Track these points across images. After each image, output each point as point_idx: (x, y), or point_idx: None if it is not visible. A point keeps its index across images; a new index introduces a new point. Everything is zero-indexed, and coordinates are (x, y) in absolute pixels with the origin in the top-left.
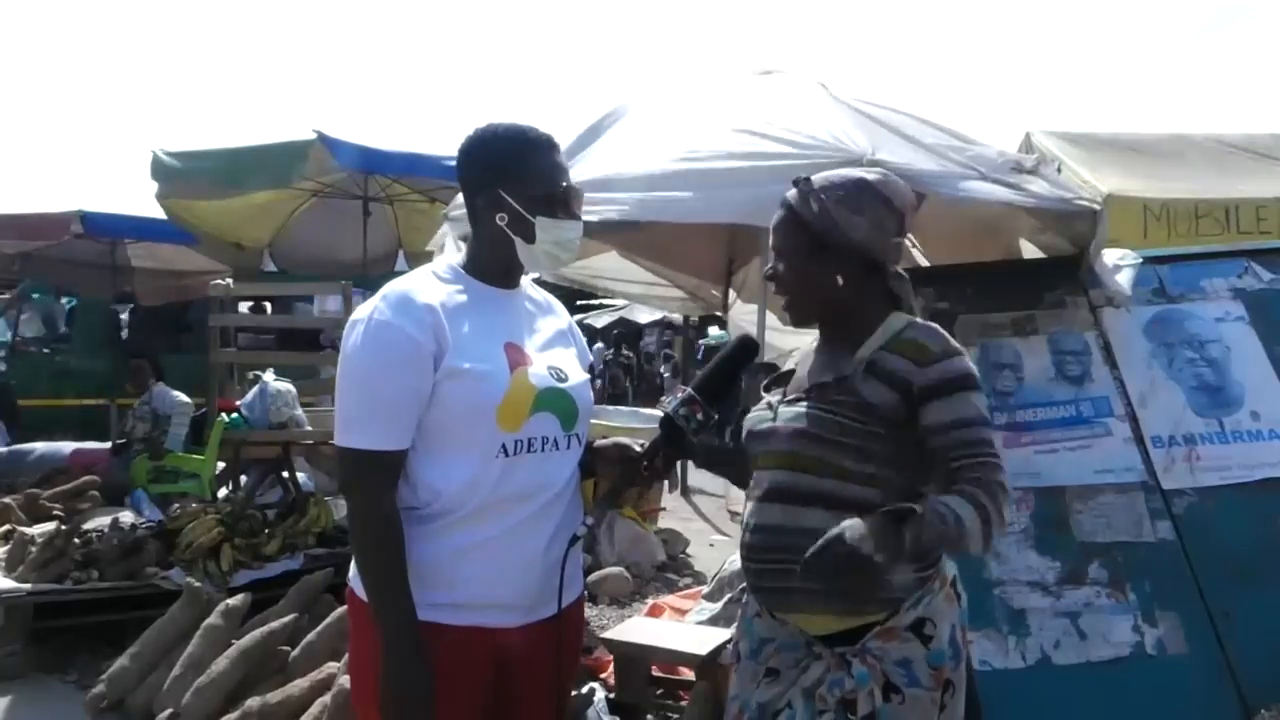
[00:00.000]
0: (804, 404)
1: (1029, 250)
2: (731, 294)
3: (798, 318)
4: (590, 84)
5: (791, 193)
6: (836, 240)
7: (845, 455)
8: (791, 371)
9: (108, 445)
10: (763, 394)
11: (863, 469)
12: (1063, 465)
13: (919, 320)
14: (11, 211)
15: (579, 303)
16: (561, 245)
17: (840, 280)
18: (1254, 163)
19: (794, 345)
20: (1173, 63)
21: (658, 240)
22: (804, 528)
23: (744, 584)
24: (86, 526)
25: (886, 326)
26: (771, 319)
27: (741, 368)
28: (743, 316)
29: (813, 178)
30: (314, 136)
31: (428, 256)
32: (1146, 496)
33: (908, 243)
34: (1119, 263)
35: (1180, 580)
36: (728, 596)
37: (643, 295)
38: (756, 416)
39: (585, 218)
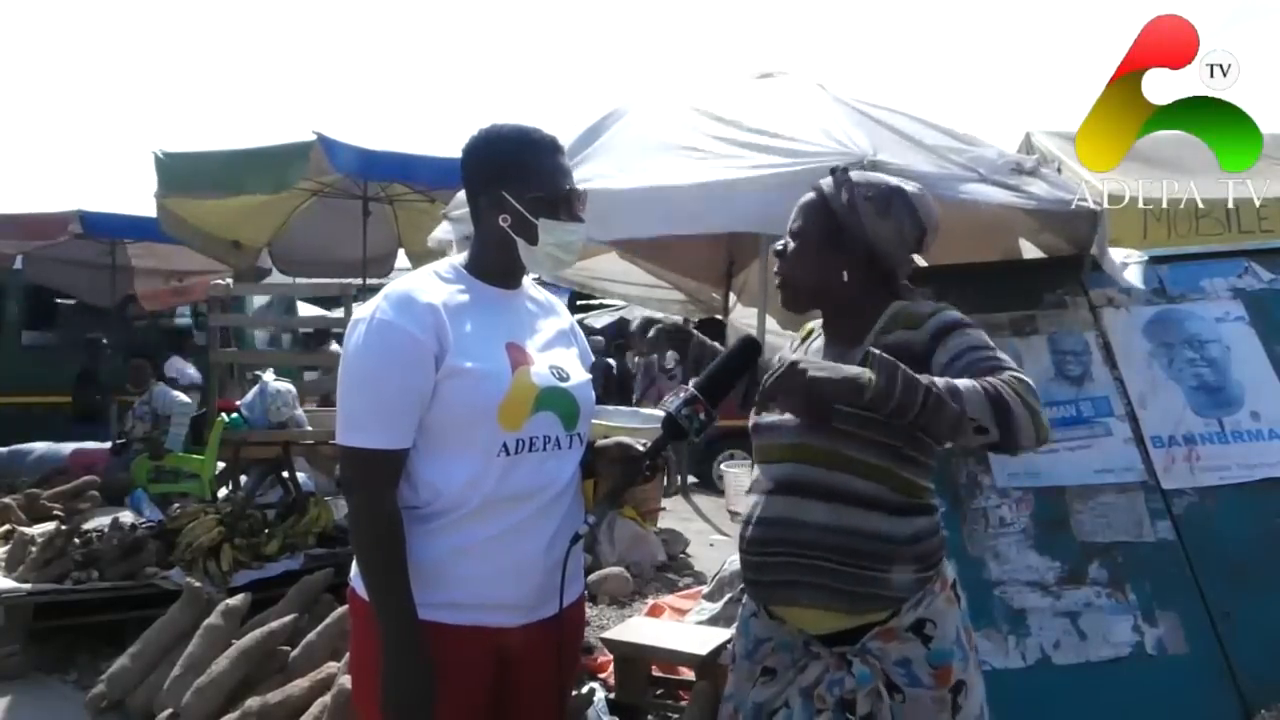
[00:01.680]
0: None
1: (1029, 250)
2: (732, 297)
3: (788, 300)
4: (590, 84)
5: (826, 180)
6: (854, 234)
7: (851, 446)
8: None
9: (108, 445)
10: None
11: (867, 460)
12: (1063, 465)
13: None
14: (11, 211)
15: (579, 303)
16: (564, 247)
17: (845, 276)
18: (1255, 162)
19: None
20: None
21: (658, 243)
22: (807, 521)
23: (744, 583)
24: (86, 526)
25: (885, 314)
26: (772, 323)
27: (745, 368)
28: (743, 320)
29: (851, 172)
30: (314, 138)
31: (429, 256)
32: (1146, 496)
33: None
34: (1125, 260)
35: (1180, 580)
36: (728, 596)
37: (642, 297)
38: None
39: (591, 234)
